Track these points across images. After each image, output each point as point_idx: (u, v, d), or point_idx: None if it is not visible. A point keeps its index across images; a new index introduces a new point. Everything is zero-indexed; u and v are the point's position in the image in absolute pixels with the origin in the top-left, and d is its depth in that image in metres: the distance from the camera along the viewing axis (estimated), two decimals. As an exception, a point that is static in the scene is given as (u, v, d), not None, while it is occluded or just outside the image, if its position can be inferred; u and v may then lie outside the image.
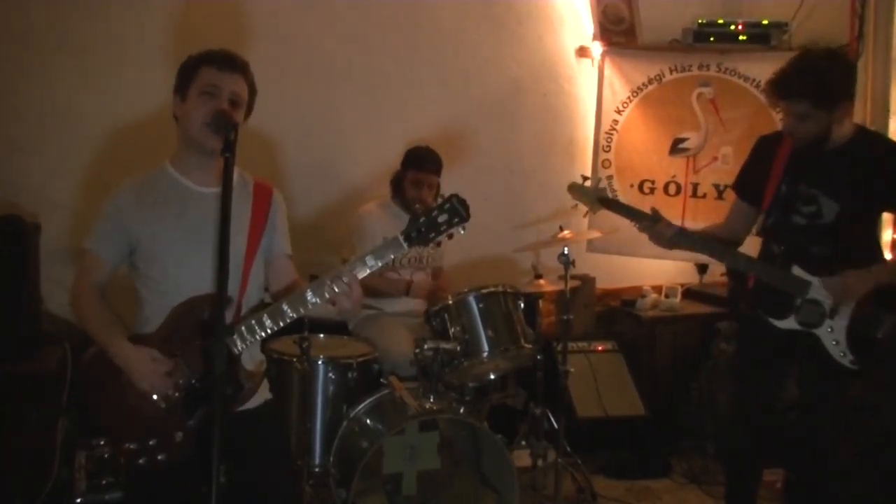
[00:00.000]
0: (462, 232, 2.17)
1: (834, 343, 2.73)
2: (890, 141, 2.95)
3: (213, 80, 2.20)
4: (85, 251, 2.27)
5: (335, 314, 2.19)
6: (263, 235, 2.34)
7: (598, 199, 3.06)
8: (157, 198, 2.25)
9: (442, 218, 2.13)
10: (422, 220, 2.14)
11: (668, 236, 2.82)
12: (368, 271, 2.13)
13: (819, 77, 2.62)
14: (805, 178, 2.77)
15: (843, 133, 2.74)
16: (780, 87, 2.68)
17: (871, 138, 2.85)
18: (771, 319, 2.79)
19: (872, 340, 2.73)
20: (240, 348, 2.17)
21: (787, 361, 2.91)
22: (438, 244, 2.20)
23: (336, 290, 2.11)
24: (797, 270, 2.75)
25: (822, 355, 2.75)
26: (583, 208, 3.15)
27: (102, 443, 3.10)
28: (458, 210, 2.14)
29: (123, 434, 2.16)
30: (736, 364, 3.29)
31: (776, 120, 4.32)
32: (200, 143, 2.21)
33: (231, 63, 2.24)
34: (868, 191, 2.71)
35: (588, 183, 3.12)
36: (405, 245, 2.13)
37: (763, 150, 2.94)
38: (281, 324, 2.16)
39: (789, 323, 2.76)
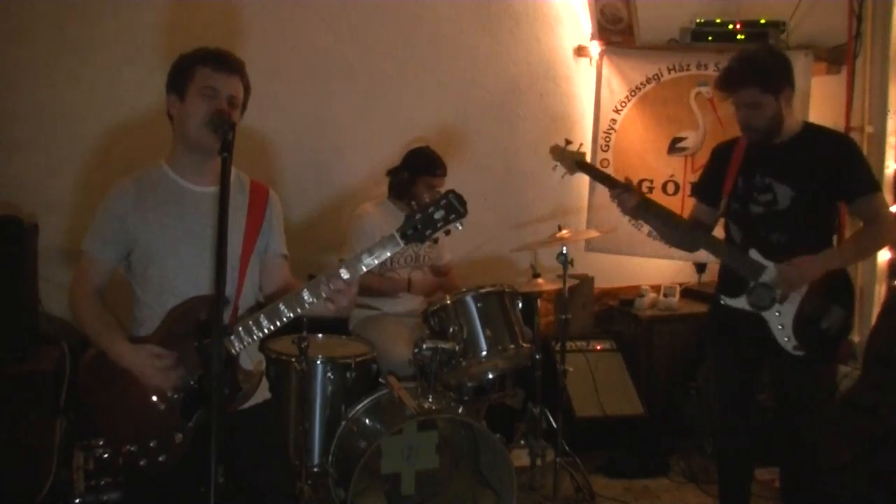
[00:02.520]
0: (459, 228, 2.12)
1: (779, 327, 2.85)
2: (837, 132, 3.10)
3: (211, 83, 2.20)
4: (83, 252, 2.26)
5: (331, 312, 2.19)
6: (259, 236, 2.33)
7: (576, 161, 3.15)
8: (154, 198, 2.24)
9: (438, 214, 2.08)
10: (418, 216, 2.09)
11: (632, 205, 2.96)
12: (364, 269, 2.10)
13: (759, 64, 2.82)
14: (759, 170, 2.92)
15: (793, 128, 2.90)
16: (728, 82, 2.86)
17: (820, 130, 2.99)
18: (723, 297, 2.93)
19: (817, 329, 2.84)
20: (238, 349, 2.17)
21: (754, 354, 3.00)
22: (436, 241, 2.16)
23: (332, 288, 2.09)
24: (754, 254, 2.88)
25: (762, 341, 2.87)
26: (561, 170, 3.22)
27: (101, 443, 3.10)
28: (455, 206, 2.09)
29: (123, 436, 2.16)
30: (713, 363, 3.36)
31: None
32: (198, 143, 2.21)
33: (228, 64, 2.24)
34: (818, 177, 2.85)
35: (570, 147, 3.20)
36: (401, 242, 2.08)
37: (720, 155, 3.10)
38: (278, 323, 2.15)
39: (740, 302, 2.89)
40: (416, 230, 2.08)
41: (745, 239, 2.94)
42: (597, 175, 3.26)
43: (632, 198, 2.95)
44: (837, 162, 2.86)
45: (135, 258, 2.24)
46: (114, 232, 2.23)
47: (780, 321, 2.84)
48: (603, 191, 4.56)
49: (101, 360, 2.20)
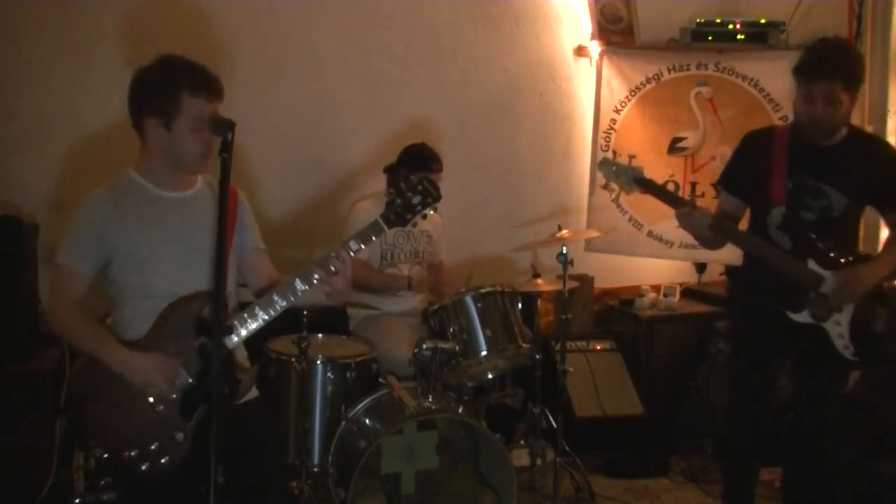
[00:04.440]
0: (433, 212, 2.34)
1: (839, 336, 2.78)
2: (880, 138, 3.09)
3: (205, 117, 2.18)
4: (58, 266, 2.25)
5: (326, 299, 2.22)
6: (235, 234, 2.36)
7: (635, 178, 2.86)
8: (132, 207, 2.26)
9: (416, 199, 2.28)
10: (398, 202, 2.27)
11: (707, 224, 2.77)
12: (353, 254, 2.24)
13: (847, 58, 2.70)
14: (812, 173, 2.79)
15: (841, 130, 2.80)
16: (813, 69, 2.68)
17: (865, 135, 2.94)
18: (788, 313, 2.81)
19: (871, 334, 2.80)
20: (234, 343, 2.18)
21: (781, 357, 2.97)
22: (415, 224, 2.33)
23: (332, 268, 2.18)
24: (812, 264, 2.78)
25: (821, 349, 2.81)
26: (614, 187, 3.02)
27: (100, 445, 3.10)
28: (430, 191, 2.29)
29: (122, 443, 2.16)
30: (733, 362, 3.30)
31: (773, 118, 4.34)
32: (192, 170, 2.27)
33: (218, 92, 2.23)
34: (869, 185, 2.79)
35: (620, 159, 2.94)
36: (385, 226, 2.26)
37: (754, 147, 2.94)
38: (272, 313, 2.20)
39: (804, 316, 2.80)
40: (397, 214, 2.27)
41: (798, 247, 2.81)
42: (661, 193, 2.93)
43: (704, 217, 2.77)
44: (886, 171, 2.80)
45: (115, 267, 2.23)
46: (92, 244, 2.22)
47: (840, 331, 2.78)
48: (603, 191, 4.61)
49: (91, 369, 2.19)
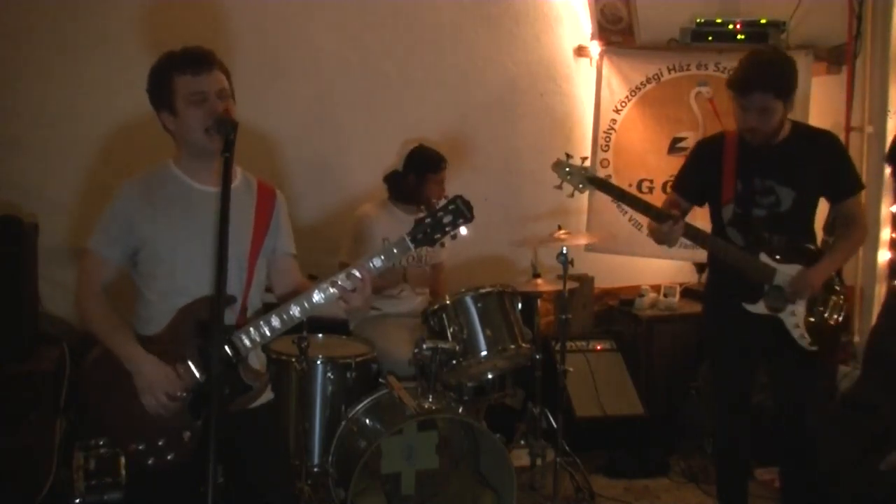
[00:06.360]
0: (464, 233, 2.22)
1: (795, 326, 2.91)
2: (823, 131, 3.10)
3: (196, 88, 2.18)
4: (88, 251, 2.26)
5: (344, 312, 2.20)
6: (267, 236, 2.35)
7: (587, 177, 2.98)
8: (162, 198, 2.24)
9: (447, 219, 2.18)
10: (428, 220, 2.18)
11: (677, 235, 2.87)
12: (375, 271, 2.17)
13: (778, 70, 2.81)
14: (757, 172, 2.92)
15: (785, 127, 2.92)
16: (744, 85, 2.80)
17: (808, 129, 3.03)
18: (744, 304, 2.93)
19: (825, 323, 2.96)
20: (248, 348, 2.16)
21: (755, 354, 3.05)
22: (443, 244, 2.24)
23: (347, 287, 2.12)
24: (764, 258, 2.90)
25: (782, 341, 2.92)
26: (567, 188, 3.02)
27: (101, 443, 3.09)
28: (463, 211, 2.18)
29: (130, 435, 2.15)
30: (709, 363, 3.41)
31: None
32: (205, 149, 2.21)
33: (204, 63, 2.21)
34: (816, 178, 2.91)
35: (573, 160, 3.01)
36: (412, 246, 2.17)
37: (707, 153, 3.07)
38: (289, 323, 2.16)
39: (759, 308, 2.91)
40: (426, 234, 2.18)
41: (750, 242, 2.94)
42: (613, 191, 3.01)
43: (678, 228, 2.85)
44: (831, 162, 2.94)
45: (142, 257, 2.23)
46: (121, 231, 2.22)
47: (795, 321, 2.90)
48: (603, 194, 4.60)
49: (107, 358, 2.19)
